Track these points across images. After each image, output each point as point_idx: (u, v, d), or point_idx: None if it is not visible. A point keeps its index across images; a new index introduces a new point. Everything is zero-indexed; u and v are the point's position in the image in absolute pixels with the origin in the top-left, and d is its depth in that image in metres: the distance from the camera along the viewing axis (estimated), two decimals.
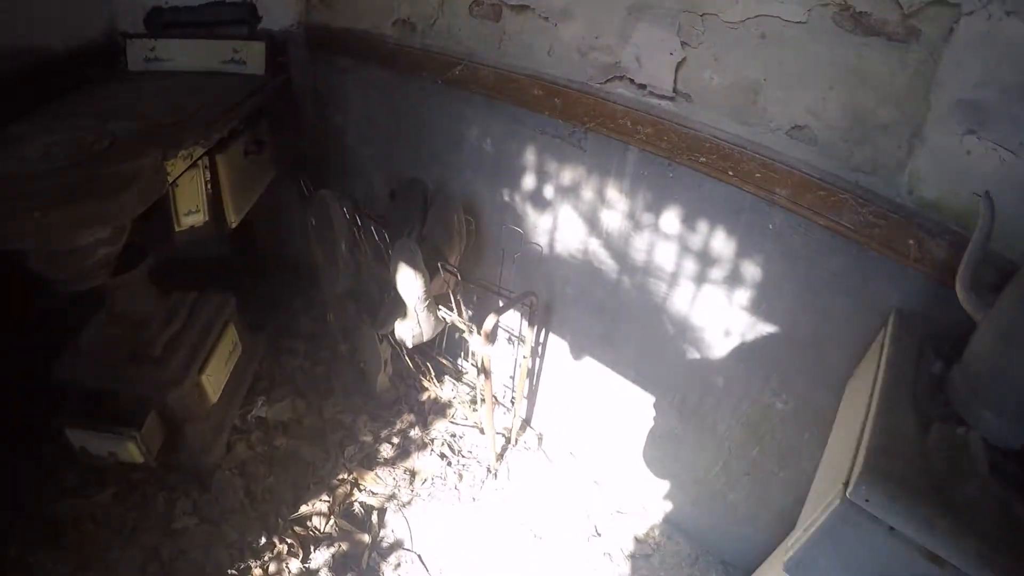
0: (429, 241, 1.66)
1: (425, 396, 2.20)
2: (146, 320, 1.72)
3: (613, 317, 1.70)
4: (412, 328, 1.63)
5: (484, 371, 1.66)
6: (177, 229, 1.68)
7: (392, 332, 1.74)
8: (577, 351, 1.87)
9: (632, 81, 1.36)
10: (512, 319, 1.90)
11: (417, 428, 2.13)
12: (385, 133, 2.02)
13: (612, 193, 1.52)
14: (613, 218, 1.55)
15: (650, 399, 1.74)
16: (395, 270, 1.53)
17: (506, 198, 1.75)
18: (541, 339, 1.91)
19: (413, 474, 1.98)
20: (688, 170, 1.33)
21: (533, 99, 1.51)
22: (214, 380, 1.82)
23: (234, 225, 1.82)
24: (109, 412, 1.71)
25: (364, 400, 2.18)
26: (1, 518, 1.70)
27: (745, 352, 1.44)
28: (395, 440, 2.08)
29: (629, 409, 1.80)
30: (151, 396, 1.69)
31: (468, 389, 2.23)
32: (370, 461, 2.00)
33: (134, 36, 1.92)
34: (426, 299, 1.57)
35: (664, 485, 1.85)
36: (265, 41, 1.89)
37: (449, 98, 1.73)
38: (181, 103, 1.70)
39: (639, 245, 1.53)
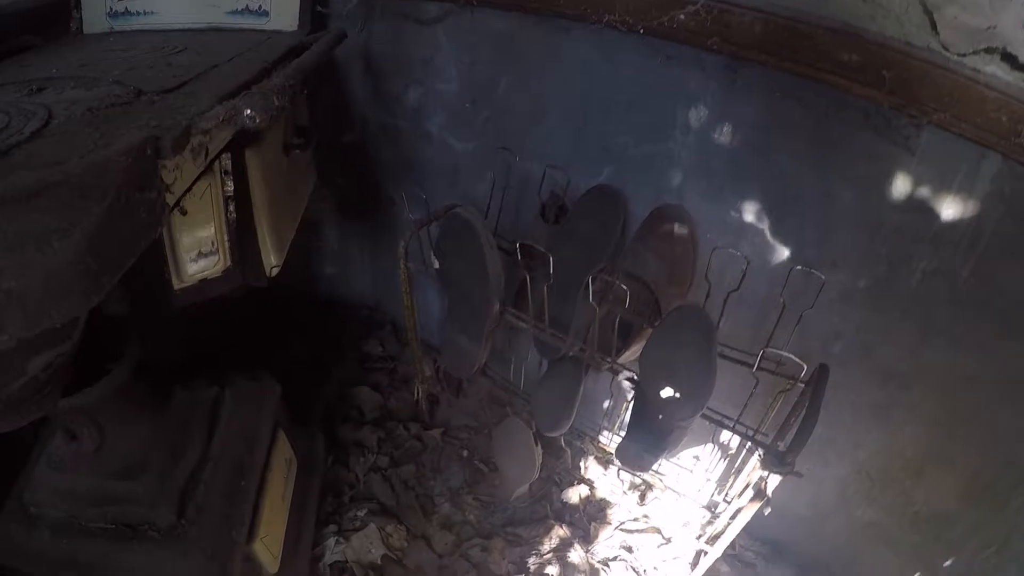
0: (624, 276, 0.94)
1: (576, 496, 1.46)
2: (136, 456, 0.95)
3: (901, 385, 1.06)
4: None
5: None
6: (177, 287, 0.94)
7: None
8: (831, 419, 1.19)
9: None
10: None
11: (577, 545, 1.39)
12: (506, 113, 1.26)
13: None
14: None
15: None
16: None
17: (749, 217, 1.05)
18: None
19: None
20: None
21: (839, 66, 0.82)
22: (272, 537, 1.06)
23: (276, 271, 1.06)
24: None
25: (487, 511, 1.43)
26: None
27: None
28: (552, 572, 1.34)
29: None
30: None
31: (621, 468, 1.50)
32: None
33: None
34: None
35: None
36: None
37: (652, 59, 1.02)
38: (176, 63, 0.94)
39: None
